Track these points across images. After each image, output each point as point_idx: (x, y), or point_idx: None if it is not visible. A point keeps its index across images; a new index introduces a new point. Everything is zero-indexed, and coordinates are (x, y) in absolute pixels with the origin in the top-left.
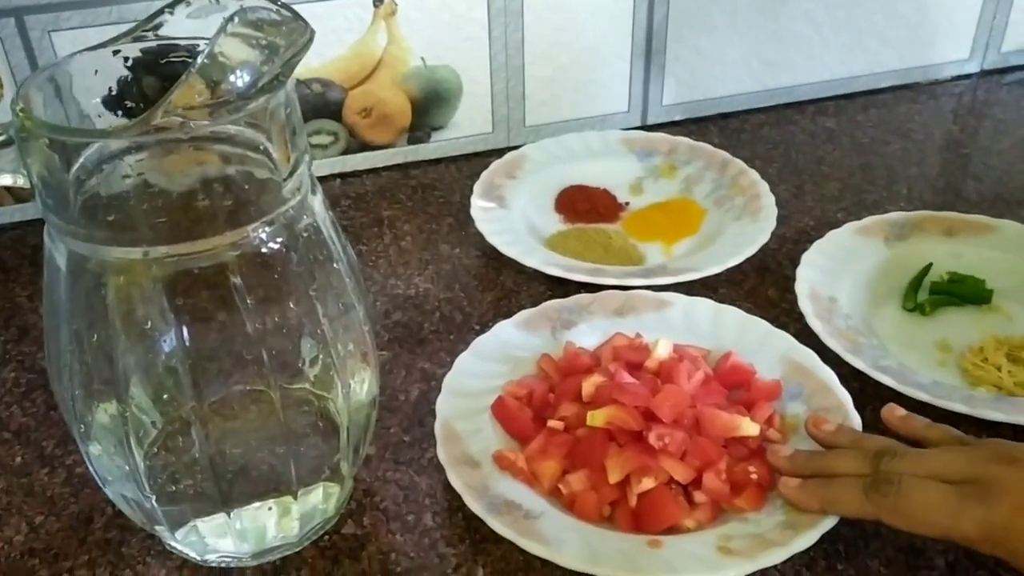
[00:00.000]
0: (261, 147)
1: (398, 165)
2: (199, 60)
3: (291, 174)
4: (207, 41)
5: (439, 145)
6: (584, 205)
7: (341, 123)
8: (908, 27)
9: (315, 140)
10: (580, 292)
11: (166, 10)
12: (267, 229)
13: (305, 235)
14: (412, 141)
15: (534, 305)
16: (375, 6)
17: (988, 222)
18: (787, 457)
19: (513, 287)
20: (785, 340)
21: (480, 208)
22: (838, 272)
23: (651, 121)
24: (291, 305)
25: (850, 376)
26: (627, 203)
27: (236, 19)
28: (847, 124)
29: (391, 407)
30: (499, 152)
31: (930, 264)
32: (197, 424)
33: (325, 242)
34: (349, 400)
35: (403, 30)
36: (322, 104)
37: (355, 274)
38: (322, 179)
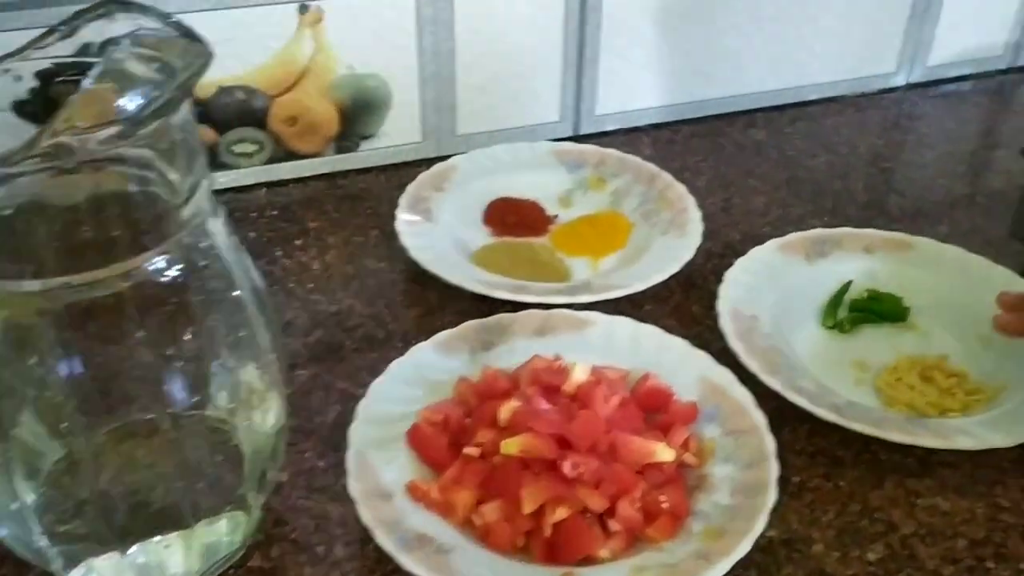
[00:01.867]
0: (156, 171)
1: (326, 174)
2: (89, 82)
3: (188, 199)
4: (101, 61)
5: (368, 154)
6: (512, 218)
7: (266, 131)
8: (836, 40)
9: (239, 149)
10: (505, 308)
11: (60, 27)
12: (163, 257)
13: (203, 263)
14: (340, 150)
15: (459, 321)
16: (300, 13)
17: (906, 239)
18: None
19: (438, 303)
20: (703, 360)
21: (405, 222)
22: (760, 290)
23: (583, 131)
24: (188, 335)
25: (769, 395)
26: (556, 216)
27: (130, 40)
28: (776, 136)
29: (307, 430)
30: (429, 162)
31: (850, 281)
32: (89, 457)
33: (225, 269)
34: (252, 430)
35: (330, 38)
36: (246, 112)
37: (260, 300)
38: (247, 188)
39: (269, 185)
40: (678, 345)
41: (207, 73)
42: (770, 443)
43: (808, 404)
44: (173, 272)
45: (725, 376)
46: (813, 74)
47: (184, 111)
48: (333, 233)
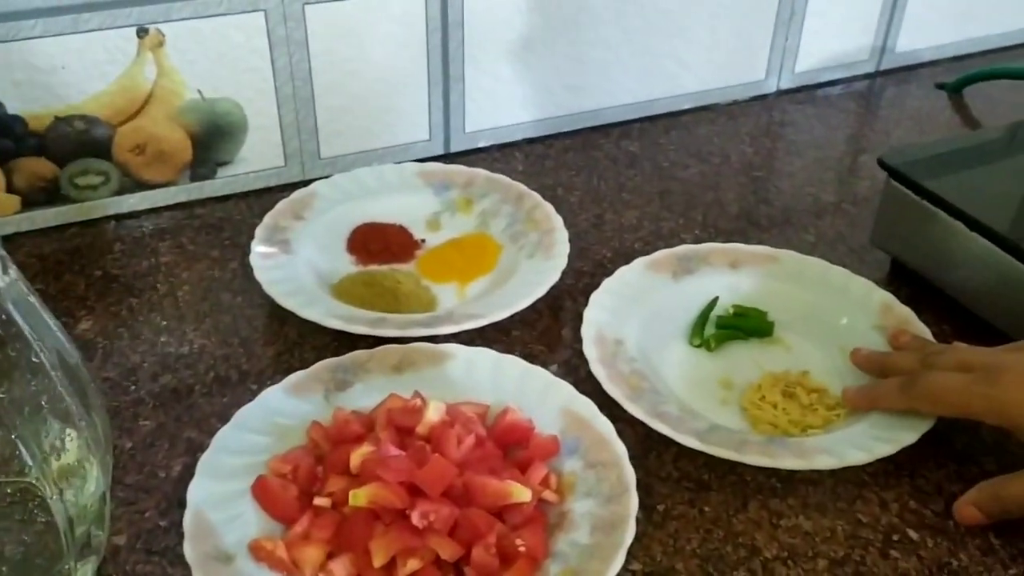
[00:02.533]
0: None
1: (181, 204)
2: None
3: None
4: None
5: (226, 181)
6: (377, 244)
7: (111, 162)
8: (705, 50)
9: (83, 181)
10: (366, 343)
11: None
12: None
13: None
14: (196, 178)
15: (317, 359)
16: (139, 37)
17: (771, 253)
18: (863, 355)
19: (297, 339)
20: (565, 391)
21: (260, 255)
22: (626, 312)
23: (455, 149)
24: None
25: (636, 420)
26: (423, 240)
27: None
28: (649, 148)
29: (148, 487)
30: (294, 186)
31: (716, 298)
32: None
33: (19, 334)
34: (63, 503)
35: (174, 62)
36: (88, 142)
37: (68, 366)
38: (95, 222)
39: (119, 218)
40: (540, 375)
41: (43, 103)
42: (630, 475)
43: (670, 431)
44: None
45: (587, 407)
46: (685, 84)
47: None
48: (187, 267)
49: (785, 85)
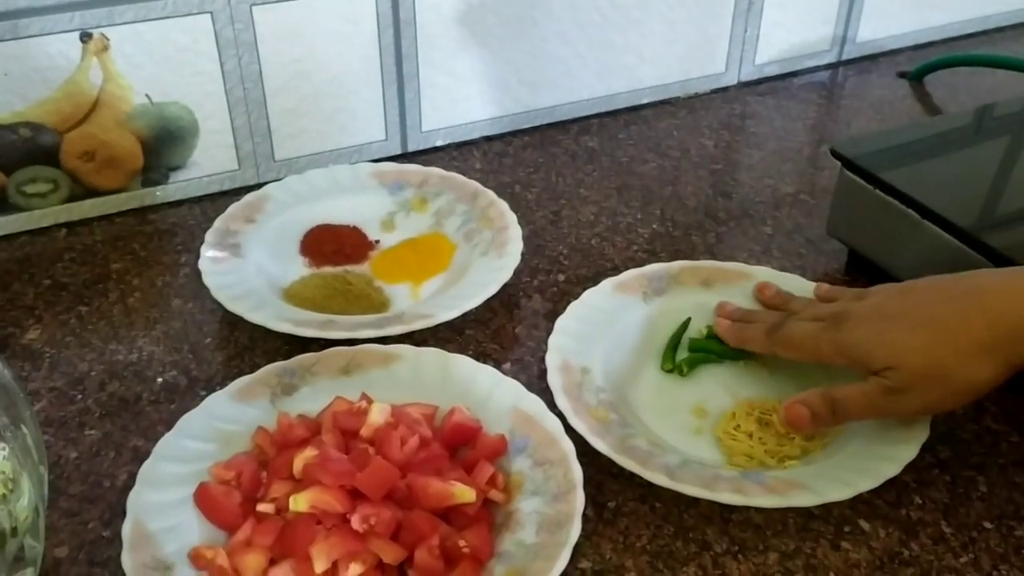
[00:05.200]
0: None
1: (133, 210)
2: None
3: None
4: None
5: (179, 186)
6: (330, 246)
7: (60, 169)
8: (663, 43)
9: (31, 189)
10: (316, 346)
11: None
12: None
13: None
14: (147, 183)
15: (269, 363)
16: (82, 42)
17: (744, 270)
18: (728, 310)
19: (248, 344)
20: (514, 389)
21: (210, 259)
22: (594, 337)
23: (412, 148)
24: None
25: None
26: (378, 241)
27: None
28: (608, 143)
29: (92, 497)
30: (248, 189)
31: (689, 319)
32: None
33: None
34: None
35: (119, 66)
36: (34, 149)
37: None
38: (45, 230)
39: (70, 225)
40: (488, 374)
41: None
42: (577, 472)
43: (638, 468)
44: None
45: (535, 404)
46: (644, 78)
47: None
48: (138, 274)
49: (746, 77)
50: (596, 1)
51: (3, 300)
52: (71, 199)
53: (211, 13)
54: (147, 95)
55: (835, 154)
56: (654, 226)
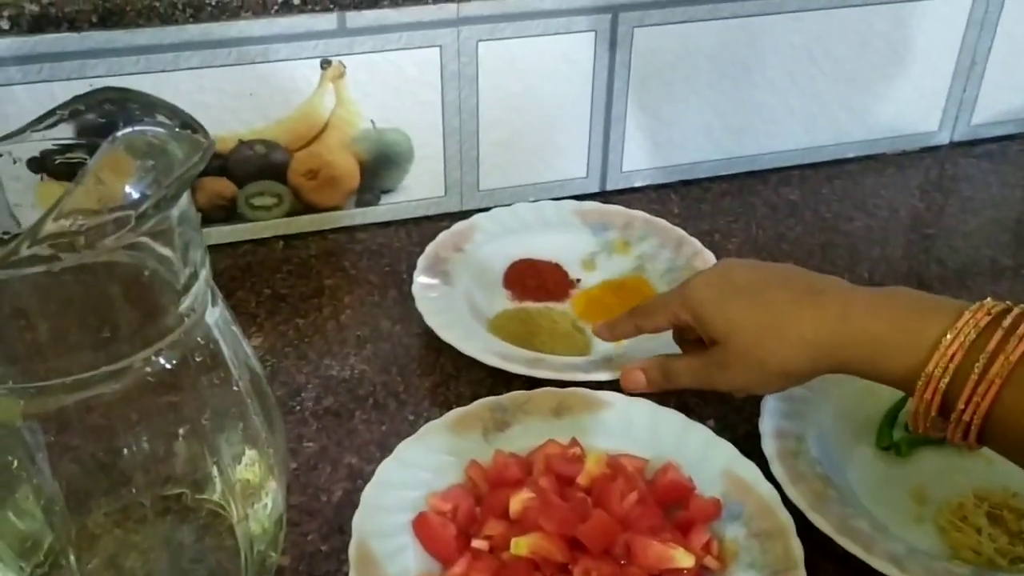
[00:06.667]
0: (151, 265)
1: (345, 228)
2: (79, 180)
3: (185, 292)
4: (100, 150)
5: (389, 208)
6: (533, 282)
7: (286, 184)
8: (876, 98)
9: (258, 202)
10: (521, 380)
11: (58, 111)
12: (158, 356)
13: (199, 359)
14: (360, 204)
15: (473, 392)
16: (322, 68)
17: None
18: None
19: (453, 371)
20: (727, 451)
21: (422, 285)
22: (808, 403)
23: (610, 187)
24: (180, 433)
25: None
26: (578, 280)
27: (130, 131)
28: (811, 196)
29: (311, 509)
30: (451, 216)
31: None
32: (71, 551)
33: (222, 363)
34: (250, 520)
35: (351, 92)
36: (266, 165)
37: (259, 390)
38: (265, 241)
39: (287, 238)
40: (701, 433)
41: (229, 127)
42: (798, 549)
43: (863, 553)
44: (168, 368)
45: (750, 469)
46: (851, 131)
47: (183, 202)
48: (349, 291)
49: (959, 137)
50: (812, 52)
51: (230, 306)
52: (291, 213)
53: (440, 47)
54: (372, 120)
55: None
56: None
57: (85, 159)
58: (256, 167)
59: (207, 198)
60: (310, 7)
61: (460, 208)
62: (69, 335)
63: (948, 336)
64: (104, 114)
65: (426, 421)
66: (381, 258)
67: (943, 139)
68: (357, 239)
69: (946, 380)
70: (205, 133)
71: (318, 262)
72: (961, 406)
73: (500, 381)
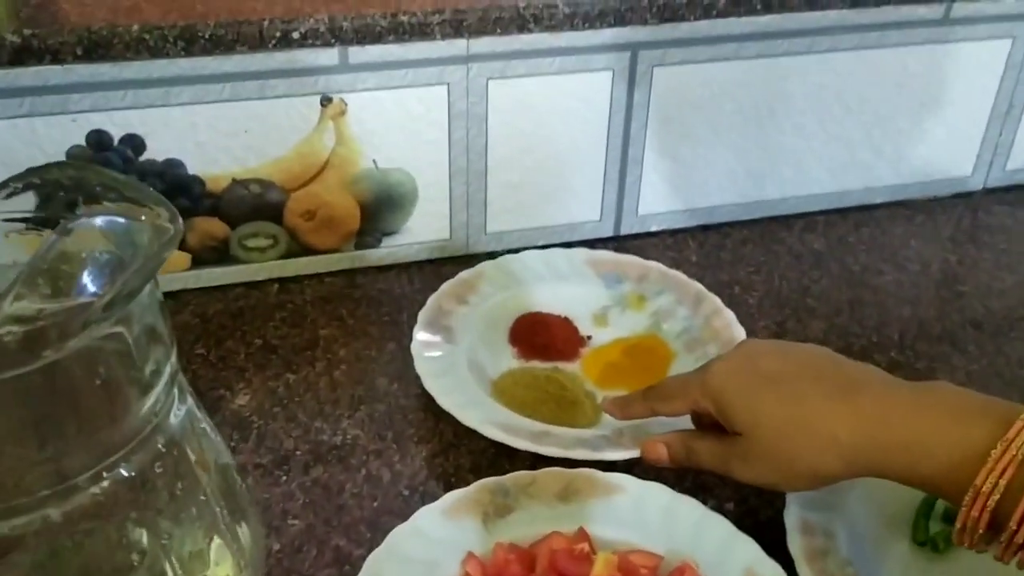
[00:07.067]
0: (102, 370)
1: (344, 271)
2: (26, 268)
3: (144, 394)
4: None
5: (390, 251)
6: (541, 339)
7: (281, 226)
8: (908, 142)
9: (252, 243)
10: (526, 452)
11: (12, 183)
12: (106, 474)
13: (159, 469)
14: (360, 246)
15: (473, 465)
16: (322, 105)
17: None
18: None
19: (453, 439)
20: (749, 549)
21: (421, 343)
22: (837, 492)
23: (624, 232)
24: (138, 551)
25: None
26: (589, 337)
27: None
28: (837, 245)
29: None
30: (456, 260)
31: None
32: None
33: (187, 471)
34: None
35: (353, 131)
36: (261, 205)
37: (231, 493)
38: (259, 284)
39: (282, 281)
40: (721, 527)
41: (222, 166)
42: None
43: None
44: (124, 481)
45: (775, 571)
46: (881, 176)
47: (146, 292)
48: (345, 344)
49: (993, 183)
50: (842, 95)
51: (216, 357)
52: (287, 255)
53: (448, 85)
54: (374, 160)
55: None
56: (892, 354)
57: (39, 234)
58: (250, 207)
59: (198, 238)
60: (310, 42)
61: (466, 251)
62: (3, 452)
63: (998, 448)
64: (62, 189)
65: (422, 497)
66: (380, 306)
67: (976, 184)
68: (356, 283)
69: (996, 497)
70: (174, 216)
71: (314, 309)
72: (1014, 526)
73: (503, 452)
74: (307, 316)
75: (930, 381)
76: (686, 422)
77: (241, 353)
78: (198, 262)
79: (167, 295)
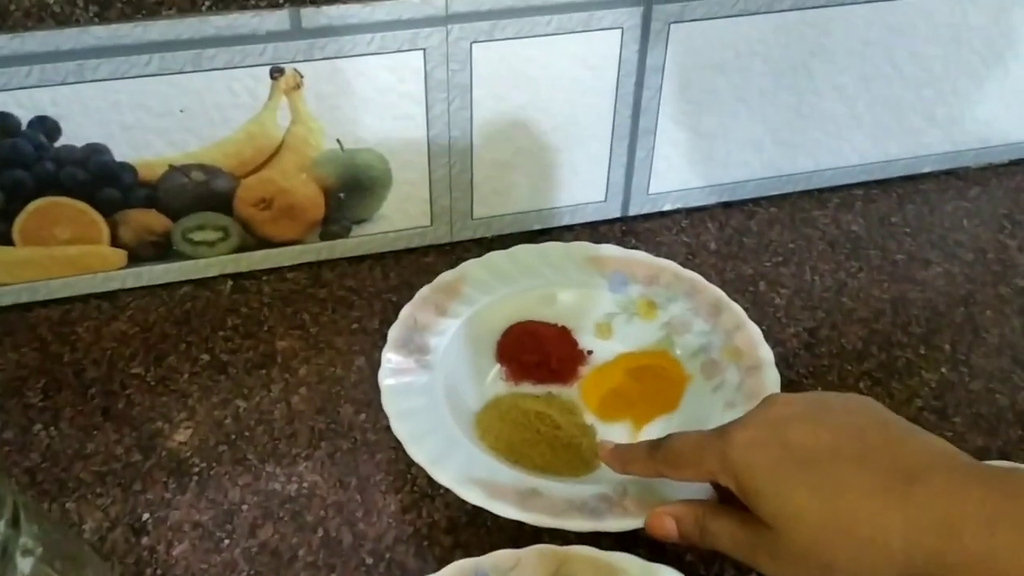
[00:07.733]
0: None
1: (308, 264)
2: None
3: None
4: None
5: (361, 241)
6: (534, 356)
7: (232, 216)
8: (965, 103)
9: (198, 236)
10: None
11: None
12: None
13: None
14: (326, 236)
15: (450, 522)
16: (272, 78)
17: None
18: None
19: (428, 488)
20: None
21: (391, 370)
22: None
23: (633, 212)
24: None
25: None
26: (590, 352)
27: None
28: (878, 228)
29: None
30: (439, 249)
31: None
32: None
33: None
34: None
35: (311, 107)
36: (206, 194)
37: None
38: (209, 281)
39: (236, 277)
40: None
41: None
42: None
43: None
44: None
45: None
46: (930, 143)
47: None
48: (306, 360)
49: None
50: (893, 52)
51: (155, 379)
52: (241, 249)
53: (424, 50)
54: (338, 140)
55: None
56: (943, 370)
57: None
58: (193, 196)
59: (133, 233)
60: (253, 2)
61: (450, 239)
62: None
63: None
64: None
65: (388, 567)
66: (349, 309)
67: None
68: (322, 280)
69: None
70: None
71: (272, 314)
72: None
73: (483, 513)
74: (263, 323)
75: (1010, 466)
76: None
77: (185, 373)
78: (136, 259)
79: (100, 296)
